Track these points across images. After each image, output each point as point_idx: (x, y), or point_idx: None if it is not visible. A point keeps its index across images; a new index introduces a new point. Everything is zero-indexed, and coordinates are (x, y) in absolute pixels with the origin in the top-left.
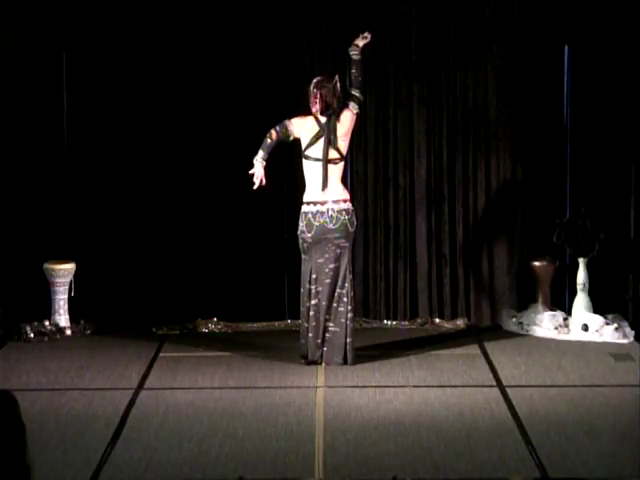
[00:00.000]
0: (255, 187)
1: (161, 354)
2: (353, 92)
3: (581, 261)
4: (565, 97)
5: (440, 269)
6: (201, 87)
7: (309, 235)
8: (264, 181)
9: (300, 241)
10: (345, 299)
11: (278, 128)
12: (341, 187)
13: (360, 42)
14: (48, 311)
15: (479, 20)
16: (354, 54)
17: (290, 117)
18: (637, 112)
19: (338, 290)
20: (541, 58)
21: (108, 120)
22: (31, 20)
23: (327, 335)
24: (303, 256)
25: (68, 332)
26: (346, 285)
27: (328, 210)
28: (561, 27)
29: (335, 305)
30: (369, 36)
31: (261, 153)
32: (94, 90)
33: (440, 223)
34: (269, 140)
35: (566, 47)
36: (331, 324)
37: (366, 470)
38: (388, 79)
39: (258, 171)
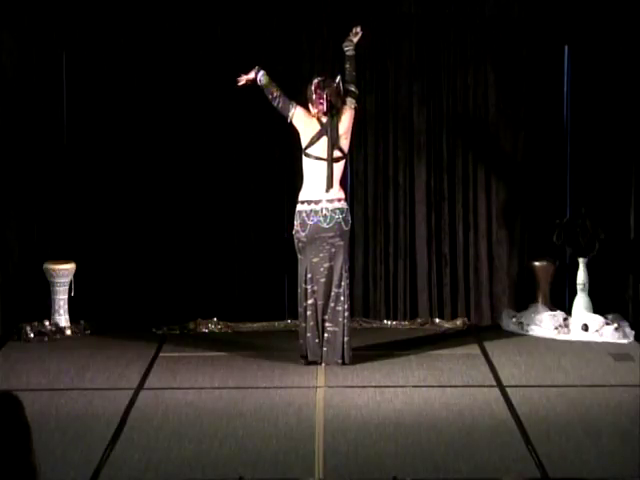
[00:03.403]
0: (238, 80)
1: (161, 354)
2: (349, 87)
3: (581, 261)
4: (565, 97)
5: (440, 269)
6: (201, 87)
7: (303, 234)
8: (243, 81)
9: (295, 241)
10: (342, 298)
11: (285, 100)
12: (337, 186)
13: (353, 38)
14: (48, 311)
15: (479, 20)
16: (348, 49)
17: (298, 103)
18: (637, 112)
19: (335, 289)
20: (541, 58)
21: (108, 120)
22: (31, 20)
23: (326, 335)
24: (299, 256)
25: (68, 332)
26: (342, 284)
27: (322, 209)
28: (561, 27)
29: (333, 305)
30: (360, 31)
31: (266, 76)
32: (94, 90)
33: (440, 223)
34: (277, 90)
35: (566, 47)
36: (330, 324)
37: (366, 470)
38: (388, 79)
39: (251, 74)
